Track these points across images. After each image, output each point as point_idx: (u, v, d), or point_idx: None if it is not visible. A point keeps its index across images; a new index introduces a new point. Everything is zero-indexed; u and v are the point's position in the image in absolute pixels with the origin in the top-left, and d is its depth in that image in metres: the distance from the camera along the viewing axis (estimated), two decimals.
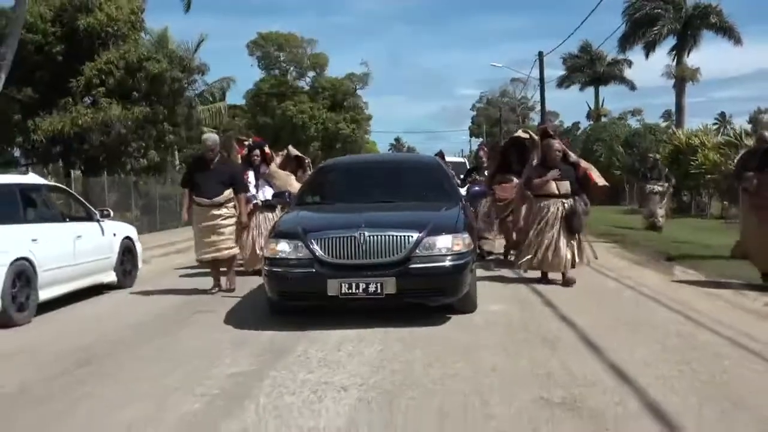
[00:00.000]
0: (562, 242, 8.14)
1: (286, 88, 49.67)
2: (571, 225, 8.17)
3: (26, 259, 6.91)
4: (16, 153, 21.20)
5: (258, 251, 9.19)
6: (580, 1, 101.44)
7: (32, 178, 8.28)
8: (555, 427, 3.68)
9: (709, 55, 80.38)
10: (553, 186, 8.26)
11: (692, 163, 24.65)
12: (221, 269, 8.43)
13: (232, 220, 8.26)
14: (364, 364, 4.94)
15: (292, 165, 11.04)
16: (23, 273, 6.85)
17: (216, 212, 8.12)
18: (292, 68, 52.18)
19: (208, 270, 8.76)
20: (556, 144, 8.61)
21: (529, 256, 8.30)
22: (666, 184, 16.93)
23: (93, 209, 8.72)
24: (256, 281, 8.05)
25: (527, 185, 8.53)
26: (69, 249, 7.73)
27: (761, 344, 5.33)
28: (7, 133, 19.48)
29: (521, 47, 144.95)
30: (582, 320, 6.28)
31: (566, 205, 8.23)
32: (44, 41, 18.89)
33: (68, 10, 19.19)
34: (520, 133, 10.97)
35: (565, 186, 8.29)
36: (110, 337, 6.26)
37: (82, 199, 9.29)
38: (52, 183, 9.32)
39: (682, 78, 39.65)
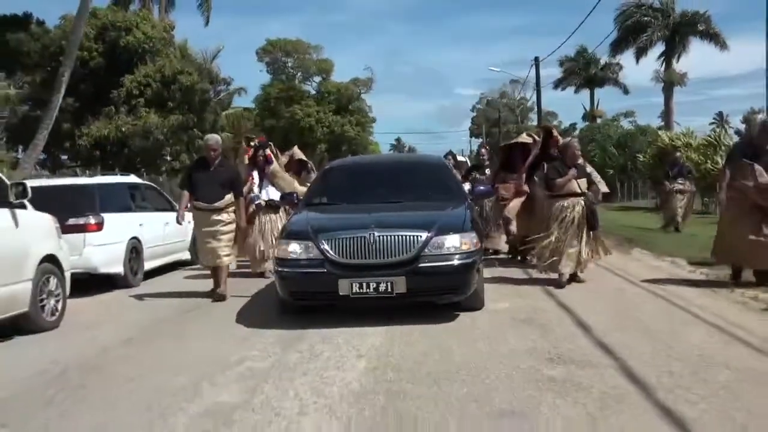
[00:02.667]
0: (584, 241, 8.15)
1: (294, 92, 51.95)
2: (591, 223, 8.19)
3: (137, 238, 9.46)
4: (63, 157, 23.51)
5: (259, 253, 9.45)
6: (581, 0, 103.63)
7: (133, 179, 10.71)
8: (517, 331, 5.92)
9: (709, 54, 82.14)
10: (574, 185, 8.18)
11: None
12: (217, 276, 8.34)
13: (232, 227, 8.15)
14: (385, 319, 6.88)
15: (295, 167, 11.25)
16: (135, 248, 9.39)
17: (216, 217, 8.01)
18: (299, 73, 54.56)
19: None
20: (575, 142, 8.66)
21: (555, 258, 8.16)
22: (687, 183, 16.32)
23: (174, 202, 11.03)
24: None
25: (548, 187, 8.38)
26: (161, 232, 10.13)
27: (675, 296, 7.43)
28: (56, 139, 21.77)
29: (521, 46, 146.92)
30: (549, 281, 8.55)
31: (586, 203, 8.22)
32: (89, 56, 21.21)
33: (109, 29, 21.48)
34: (523, 136, 11.12)
35: (585, 184, 8.29)
36: (203, 295, 8.53)
37: (165, 194, 11.61)
38: (146, 182, 11.67)
39: (670, 82, 41.88)
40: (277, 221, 9.54)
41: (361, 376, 4.64)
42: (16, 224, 6.29)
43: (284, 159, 10.83)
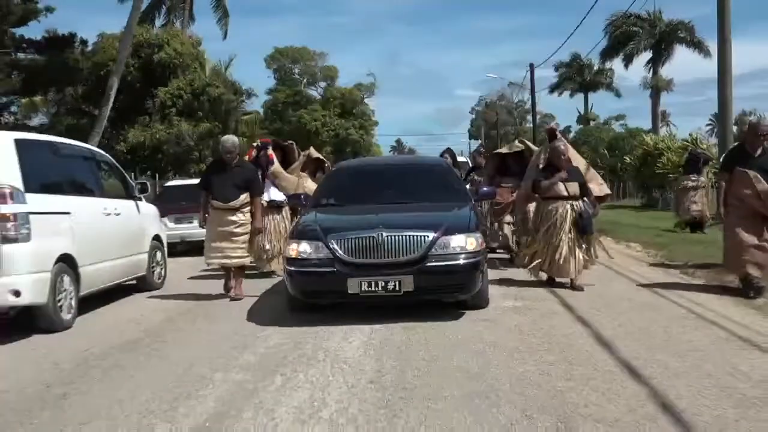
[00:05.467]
0: (572, 246, 8.04)
1: (301, 97, 54.54)
2: (579, 227, 8.08)
3: None
4: None
5: (263, 253, 9.49)
6: (576, 1, 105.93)
7: None
8: (498, 287, 8.41)
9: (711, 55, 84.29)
10: (561, 188, 8.13)
11: (658, 164, 29.02)
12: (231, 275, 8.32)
13: (247, 227, 8.11)
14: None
15: (312, 166, 11.33)
16: None
17: (231, 218, 7.99)
18: (305, 79, 57.23)
19: None
20: (561, 146, 8.50)
21: (539, 260, 8.24)
22: (702, 179, 15.19)
23: None
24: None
25: (534, 189, 8.43)
26: None
27: (616, 265, 9.82)
28: (96, 146, 24.33)
29: (520, 46, 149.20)
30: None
31: (575, 207, 8.12)
32: (126, 71, 23.69)
33: (144, 47, 24.04)
34: (516, 144, 11.36)
35: (574, 187, 8.17)
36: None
37: None
38: None
39: (657, 88, 44.45)
40: (281, 221, 9.75)
41: (384, 318, 6.55)
42: (138, 212, 8.85)
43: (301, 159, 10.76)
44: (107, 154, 9.12)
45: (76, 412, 4.32)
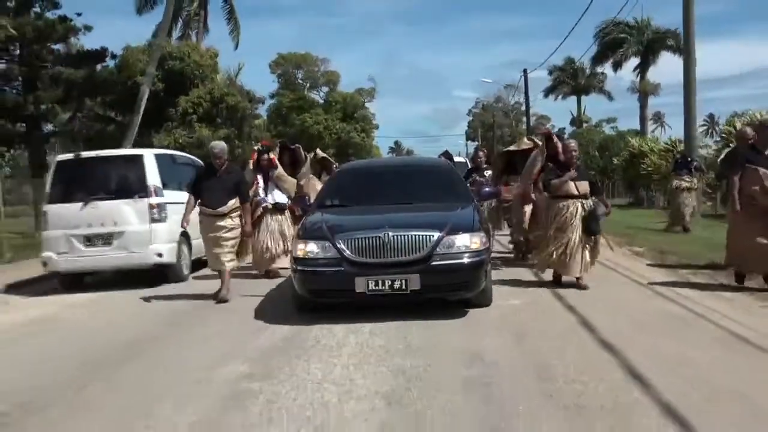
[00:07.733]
0: (580, 244, 8.09)
1: (304, 102, 56.64)
2: (588, 226, 8.10)
3: None
4: None
5: (266, 253, 9.72)
6: (575, 2, 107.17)
7: None
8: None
9: (707, 55, 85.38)
10: (571, 186, 8.16)
11: (642, 165, 31.00)
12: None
13: (236, 232, 8.23)
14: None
15: (317, 167, 11.65)
16: None
17: (220, 223, 8.13)
18: (308, 84, 59.40)
19: None
20: (573, 144, 8.66)
21: (546, 256, 8.31)
22: (694, 180, 15.49)
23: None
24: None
25: (546, 188, 8.42)
26: None
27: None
28: None
29: (519, 46, 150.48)
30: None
31: (585, 205, 8.17)
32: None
33: (167, 59, 26.22)
34: (525, 141, 11.41)
35: (584, 186, 8.24)
36: None
37: None
38: None
39: (644, 93, 46.46)
40: (283, 222, 9.97)
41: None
42: None
43: (309, 160, 11.00)
44: (200, 160, 11.84)
45: (205, 330, 6.76)
